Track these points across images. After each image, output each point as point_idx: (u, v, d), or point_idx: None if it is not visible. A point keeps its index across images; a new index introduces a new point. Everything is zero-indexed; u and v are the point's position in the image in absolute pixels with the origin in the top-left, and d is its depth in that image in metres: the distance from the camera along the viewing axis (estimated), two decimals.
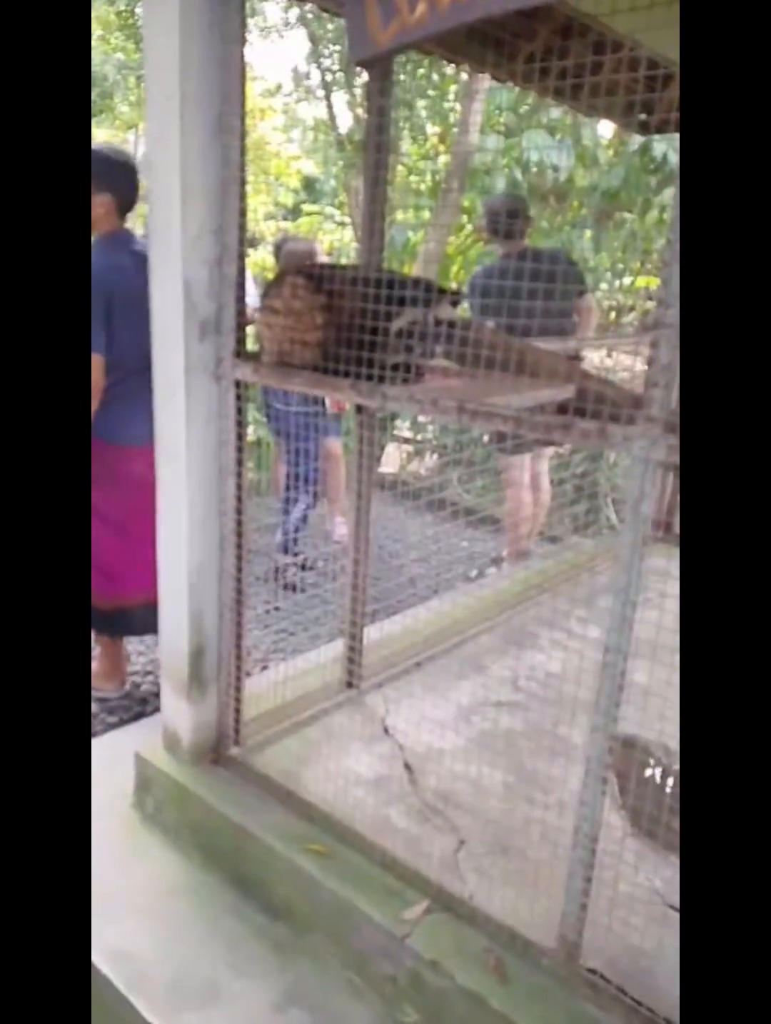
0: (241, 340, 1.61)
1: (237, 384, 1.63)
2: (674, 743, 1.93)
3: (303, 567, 4.02)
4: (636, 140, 5.02)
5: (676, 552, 0.91)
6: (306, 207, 10.32)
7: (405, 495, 4.86)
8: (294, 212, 10.93)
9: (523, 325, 3.18)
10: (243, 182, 1.50)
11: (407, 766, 1.92)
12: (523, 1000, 1.37)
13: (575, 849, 1.35)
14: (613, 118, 4.13)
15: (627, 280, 6.59)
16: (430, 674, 2.37)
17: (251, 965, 1.56)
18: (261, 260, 8.17)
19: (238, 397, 1.65)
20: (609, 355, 3.07)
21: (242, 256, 1.55)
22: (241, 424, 1.67)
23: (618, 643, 1.20)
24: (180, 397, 1.60)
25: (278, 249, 3.89)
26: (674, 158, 4.75)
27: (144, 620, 2.44)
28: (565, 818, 1.59)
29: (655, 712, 1.42)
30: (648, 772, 1.91)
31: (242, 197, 1.51)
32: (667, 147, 4.81)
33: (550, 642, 2.57)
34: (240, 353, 1.61)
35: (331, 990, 1.51)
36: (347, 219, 8.13)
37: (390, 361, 1.45)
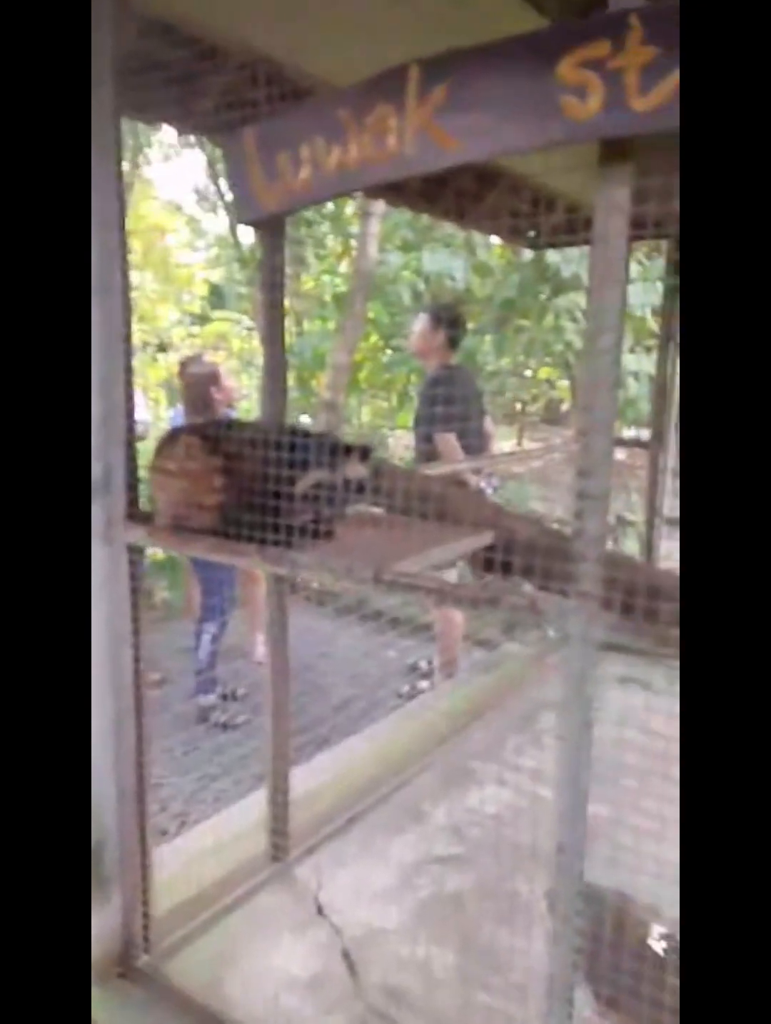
0: (133, 501, 1.47)
1: (129, 549, 1.48)
2: (639, 891, 1.81)
3: (225, 698, 3.77)
4: (527, 253, 5.27)
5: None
6: (214, 314, 10.42)
7: (330, 606, 4.72)
8: (201, 319, 11.01)
9: (465, 436, 3.21)
10: (128, 338, 1.40)
11: (346, 956, 1.70)
12: None
13: None
14: (501, 236, 4.34)
15: (528, 375, 6.85)
16: (365, 830, 2.17)
17: None
18: (169, 367, 8.11)
19: (131, 562, 1.49)
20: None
21: (130, 413, 1.44)
22: (135, 590, 1.51)
23: (572, 839, 1.07)
24: None
25: (182, 369, 3.81)
26: (565, 269, 5.00)
27: None
28: (527, 1006, 1.42)
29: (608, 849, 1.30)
30: (620, 933, 1.75)
31: (127, 353, 1.40)
32: (558, 257, 5.07)
33: (490, 778, 2.42)
34: (133, 515, 1.47)
35: None
36: (254, 327, 8.20)
37: (298, 521, 1.34)
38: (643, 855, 1.45)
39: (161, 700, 3.67)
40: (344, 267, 6.69)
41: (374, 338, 6.35)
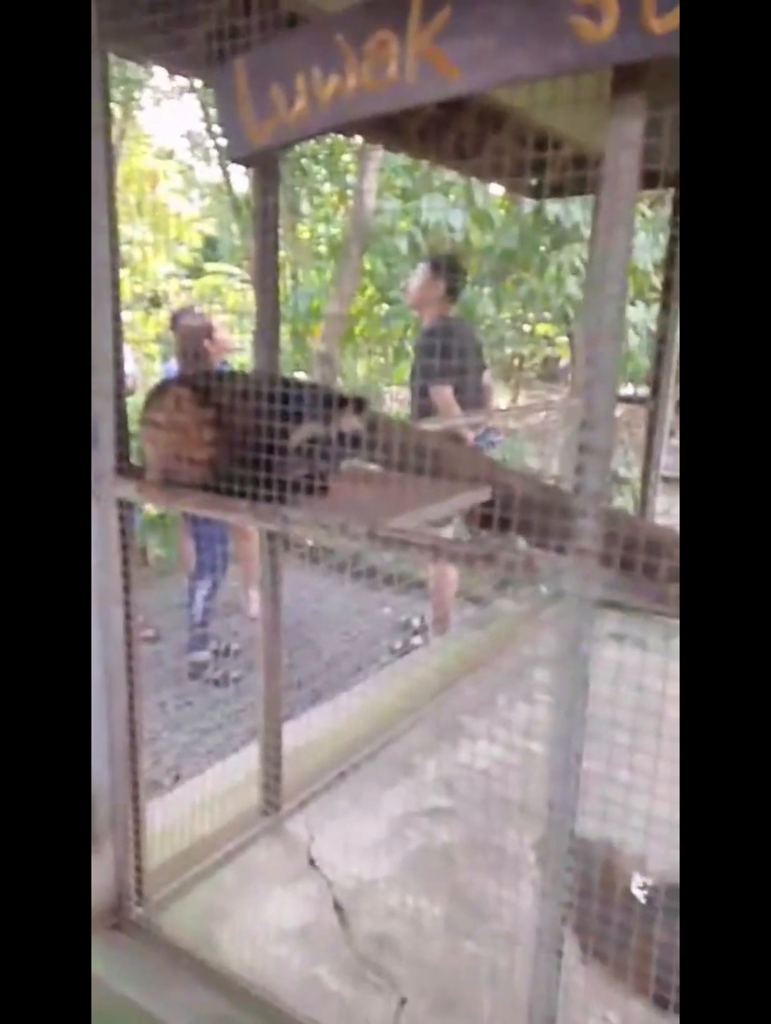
0: (123, 456, 1.43)
1: (119, 504, 1.44)
2: (624, 839, 1.82)
3: (219, 654, 3.78)
4: (528, 202, 5.13)
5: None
6: (207, 266, 10.20)
7: (323, 563, 4.71)
8: (195, 271, 10.78)
9: (463, 392, 3.15)
10: (116, 285, 1.34)
11: (337, 907, 1.72)
12: None
13: (533, 1001, 1.17)
14: (502, 183, 4.20)
15: (527, 329, 6.74)
16: (356, 784, 2.18)
17: None
18: (162, 320, 7.95)
19: (121, 517, 1.46)
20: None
21: (119, 365, 1.39)
22: (126, 546, 1.48)
23: (563, 797, 1.06)
24: None
25: (174, 321, 3.73)
26: (567, 220, 4.87)
27: None
28: (514, 955, 1.44)
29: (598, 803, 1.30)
30: (607, 884, 1.77)
31: (115, 302, 1.35)
32: (560, 209, 4.93)
33: (481, 732, 2.43)
34: (122, 470, 1.43)
35: None
36: (248, 278, 8.02)
37: (291, 476, 1.30)
38: (632, 809, 1.46)
39: (155, 656, 3.68)
40: (340, 216, 6.52)
41: (370, 290, 6.22)
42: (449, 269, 3.27)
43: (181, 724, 3.26)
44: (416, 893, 1.75)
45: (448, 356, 3.01)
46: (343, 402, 1.31)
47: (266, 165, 1.34)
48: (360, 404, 1.34)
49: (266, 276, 1.54)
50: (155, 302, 9.20)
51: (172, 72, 3.09)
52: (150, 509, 4.53)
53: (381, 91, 0.92)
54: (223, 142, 1.19)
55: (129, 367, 1.62)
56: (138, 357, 5.50)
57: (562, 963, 1.15)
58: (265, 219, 1.41)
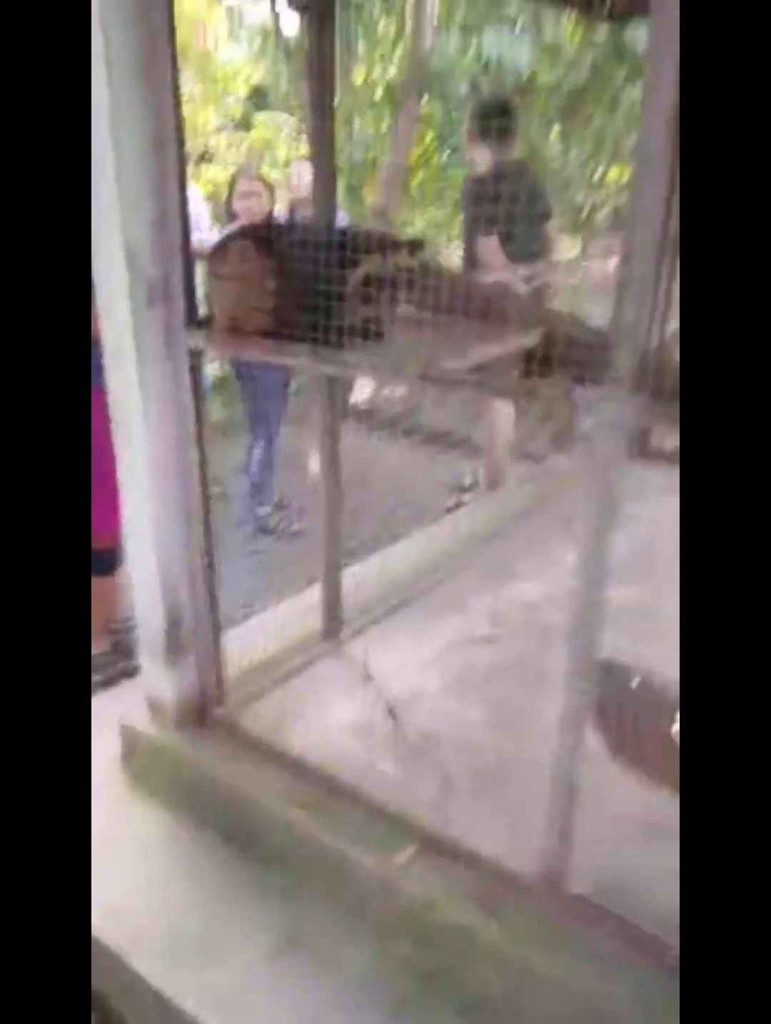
0: (192, 308, 1.54)
1: (191, 353, 1.57)
2: (652, 663, 2.00)
3: (279, 507, 4.01)
4: (601, 30, 4.75)
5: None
6: (257, 117, 9.75)
7: (379, 424, 4.81)
8: (245, 123, 10.32)
9: (521, 242, 3.08)
10: (181, 141, 1.40)
11: (390, 709, 1.97)
12: (510, 930, 1.45)
13: (555, 777, 1.39)
14: (575, 6, 3.88)
15: (597, 176, 6.37)
16: (409, 615, 2.40)
17: (247, 916, 1.64)
18: (214, 177, 7.76)
19: (192, 367, 1.59)
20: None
21: (185, 218, 1.47)
22: (198, 396, 1.62)
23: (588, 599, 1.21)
24: (132, 369, 1.54)
25: (231, 186, 3.68)
26: (641, 47, 4.50)
27: (110, 562, 2.51)
28: (548, 749, 1.66)
29: (634, 634, 1.43)
30: (627, 696, 1.97)
31: (180, 157, 1.41)
32: (640, 34, 4.54)
33: (530, 570, 2.60)
34: (192, 321, 1.55)
35: (328, 934, 1.59)
36: (301, 129, 7.70)
37: (349, 321, 1.40)
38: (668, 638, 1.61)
39: (219, 513, 3.91)
40: (398, 56, 6.12)
41: (429, 138, 5.93)
42: (499, 113, 3.12)
43: (250, 571, 3.54)
44: (460, 702, 1.98)
45: (497, 204, 2.93)
46: (398, 244, 1.38)
47: (321, 5, 1.35)
48: (414, 246, 1.41)
49: (320, 124, 1.57)
50: (205, 157, 8.92)
51: None
52: (214, 369, 4.65)
53: None
54: None
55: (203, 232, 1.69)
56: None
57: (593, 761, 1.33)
58: (320, 66, 1.43)
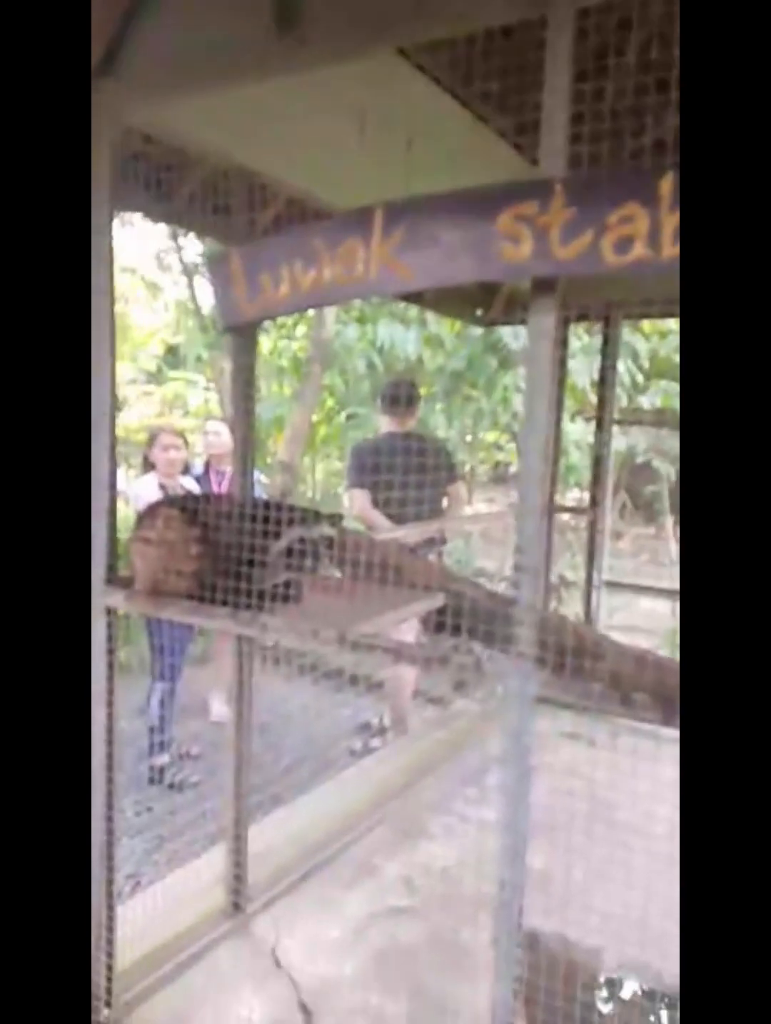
0: (112, 567, 1.58)
1: (107, 611, 1.59)
2: (577, 931, 1.91)
3: (181, 758, 3.79)
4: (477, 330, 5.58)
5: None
6: (170, 374, 10.55)
7: (284, 665, 4.76)
8: (156, 377, 11.12)
9: (404, 500, 3.36)
10: (114, 412, 1.53)
11: (303, 1007, 1.76)
12: None
13: None
14: (453, 315, 4.62)
15: (479, 437, 7.12)
16: (320, 884, 2.24)
17: None
18: (125, 425, 8.17)
19: (108, 624, 1.60)
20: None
21: (113, 485, 1.56)
22: (111, 651, 1.61)
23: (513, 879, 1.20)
24: None
25: (152, 439, 3.91)
26: (513, 344, 5.31)
27: None
28: None
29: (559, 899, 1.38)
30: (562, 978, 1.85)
31: (112, 429, 1.54)
32: (509, 331, 5.37)
33: (442, 830, 2.52)
34: (111, 580, 1.58)
35: None
36: (211, 386, 8.37)
37: (267, 585, 1.47)
38: (588, 906, 1.57)
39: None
40: (301, 334, 6.95)
41: (330, 402, 6.58)
42: (403, 392, 3.54)
43: (140, 831, 3.24)
44: (380, 992, 1.81)
45: (377, 467, 3.26)
46: (318, 516, 1.51)
47: (250, 331, 1.59)
48: (334, 518, 1.54)
49: (243, 422, 1.76)
50: (116, 407, 9.43)
51: (156, 223, 3.40)
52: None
53: (350, 283, 1.16)
54: (215, 306, 1.42)
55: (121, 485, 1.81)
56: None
57: None
58: (244, 377, 1.64)
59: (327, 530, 1.49)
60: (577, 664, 1.13)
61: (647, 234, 0.97)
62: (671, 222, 0.96)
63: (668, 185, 0.97)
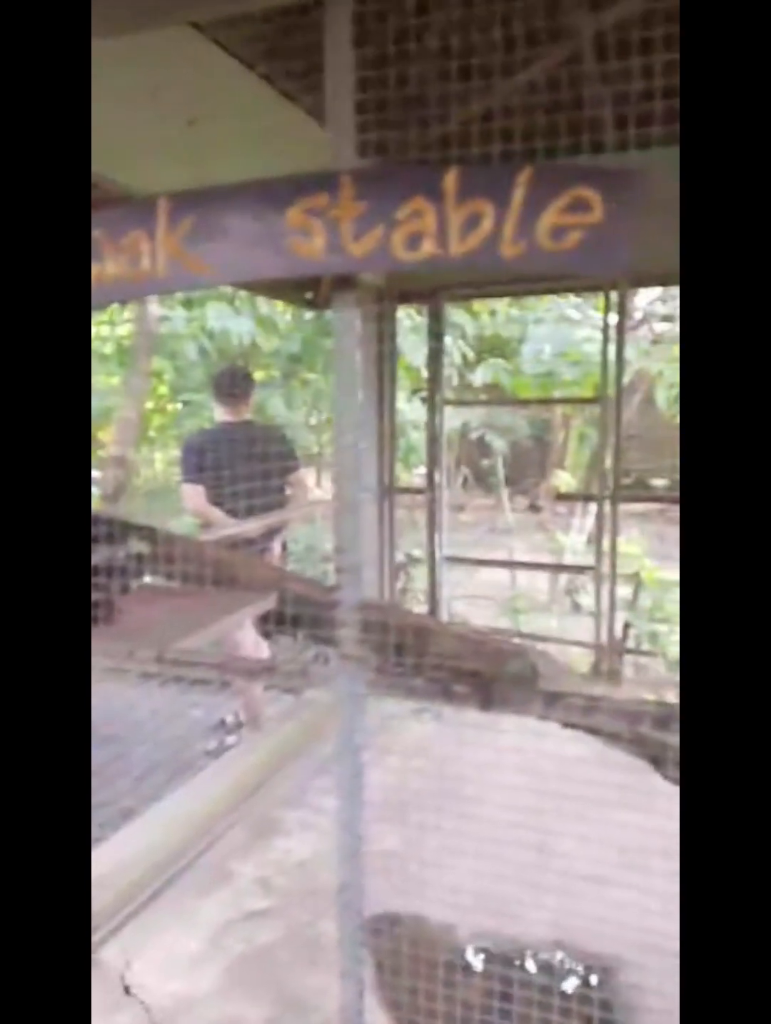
0: None
1: None
2: (434, 911, 1.96)
3: None
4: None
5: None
6: None
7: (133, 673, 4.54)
8: None
9: (244, 492, 3.27)
10: None
11: None
12: None
13: None
14: (281, 298, 4.53)
15: (322, 418, 7.10)
16: (174, 897, 2.16)
17: None
18: None
19: None
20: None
21: None
22: None
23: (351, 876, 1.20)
24: None
25: None
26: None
27: None
28: None
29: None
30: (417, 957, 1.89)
31: None
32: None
33: (297, 824, 2.50)
34: None
35: None
36: None
37: None
38: (440, 883, 1.60)
39: None
40: (125, 319, 6.59)
41: (162, 390, 6.29)
42: (236, 380, 3.44)
43: None
44: (239, 1000, 1.77)
45: (204, 459, 3.17)
46: (127, 530, 1.41)
47: None
48: (146, 531, 1.45)
49: None
50: None
51: None
52: None
53: (137, 280, 1.08)
54: None
55: None
56: None
57: None
58: None
59: (136, 547, 1.40)
60: (399, 661, 1.14)
61: (435, 231, 0.96)
62: (457, 218, 0.96)
63: (453, 179, 0.97)
